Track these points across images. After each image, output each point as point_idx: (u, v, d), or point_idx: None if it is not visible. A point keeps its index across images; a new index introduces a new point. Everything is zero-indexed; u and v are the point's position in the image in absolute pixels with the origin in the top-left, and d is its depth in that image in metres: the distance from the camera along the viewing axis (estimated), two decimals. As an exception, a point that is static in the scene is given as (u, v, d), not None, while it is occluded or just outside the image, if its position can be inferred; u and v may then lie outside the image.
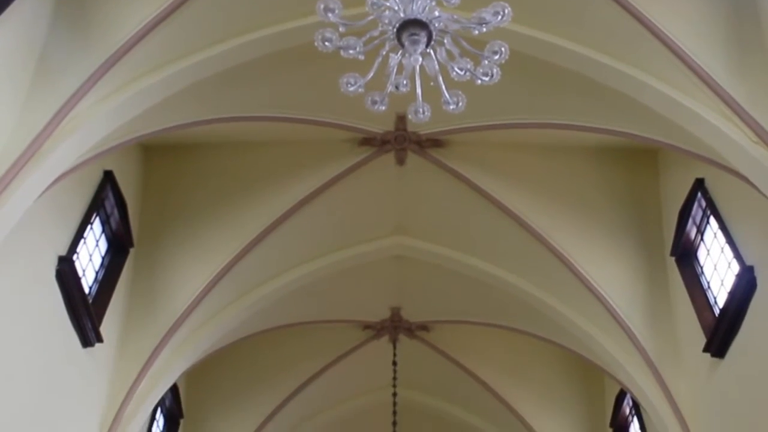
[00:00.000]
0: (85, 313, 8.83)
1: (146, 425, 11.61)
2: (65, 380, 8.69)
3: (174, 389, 12.71)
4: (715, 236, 9.25)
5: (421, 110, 5.09)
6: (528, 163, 10.39)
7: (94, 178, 9.22)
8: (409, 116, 5.19)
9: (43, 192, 7.07)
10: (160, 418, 12.52)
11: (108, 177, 9.40)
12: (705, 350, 9.04)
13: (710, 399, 9.17)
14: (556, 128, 9.26)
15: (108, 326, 9.64)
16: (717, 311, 9.10)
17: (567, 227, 10.51)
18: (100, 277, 9.73)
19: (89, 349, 9.18)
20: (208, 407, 13.44)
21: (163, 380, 10.55)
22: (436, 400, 14.41)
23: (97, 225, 9.52)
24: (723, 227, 8.85)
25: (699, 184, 9.26)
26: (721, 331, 8.67)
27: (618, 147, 10.16)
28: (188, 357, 10.97)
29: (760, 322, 8.04)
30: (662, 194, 10.33)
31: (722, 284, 9.07)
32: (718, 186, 8.97)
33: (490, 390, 13.40)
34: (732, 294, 8.42)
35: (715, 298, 9.31)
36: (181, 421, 13.23)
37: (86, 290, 9.09)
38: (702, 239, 9.62)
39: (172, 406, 12.82)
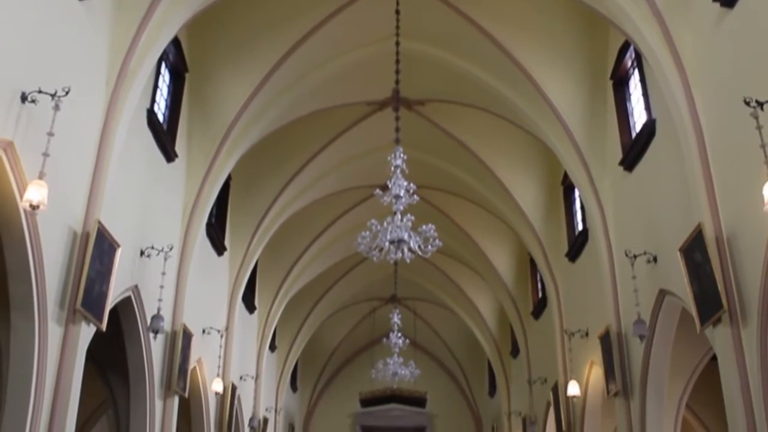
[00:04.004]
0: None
1: (152, 80, 11.80)
2: (65, 38, 8.58)
3: (177, 44, 12.68)
4: None
5: None
6: None
7: None
8: None
9: None
10: (165, 73, 12.66)
11: None
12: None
13: (714, 52, 9.09)
14: None
15: (101, -23, 9.31)
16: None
17: None
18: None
19: (85, 1, 8.96)
20: (212, 60, 13.49)
21: (164, 31, 10.41)
22: (439, 50, 14.36)
23: None
24: None
25: None
26: (736, -17, 8.35)
27: None
28: (188, 6, 10.72)
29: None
30: None
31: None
32: None
33: (493, 40, 13.32)
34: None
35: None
36: (186, 75, 13.42)
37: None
38: None
39: (176, 61, 12.90)
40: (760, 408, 7.93)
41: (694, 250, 9.11)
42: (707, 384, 12.00)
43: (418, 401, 25.97)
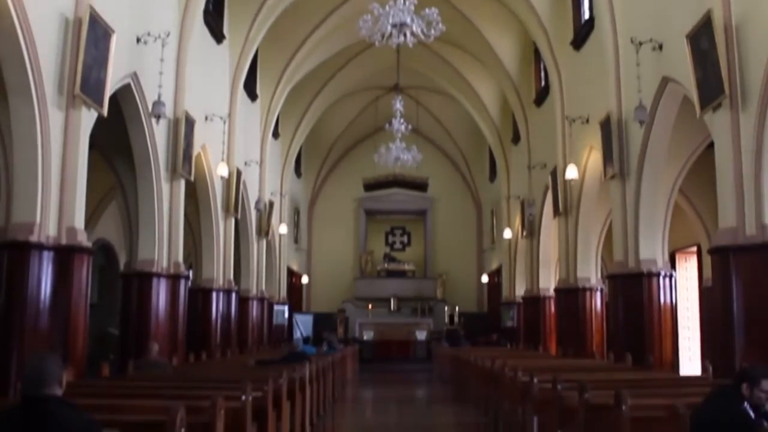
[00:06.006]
0: None
1: None
2: None
3: None
4: None
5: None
6: None
7: None
8: None
9: None
10: None
11: None
12: None
13: None
14: None
15: None
16: None
17: None
18: None
19: None
20: None
21: None
22: None
23: None
24: None
25: None
26: None
27: None
28: None
29: None
30: None
31: None
32: None
33: None
34: None
35: None
36: None
37: None
38: None
39: None
40: (751, 191, 8.20)
41: (701, 36, 8.97)
42: (701, 171, 12.25)
43: (420, 186, 26.55)
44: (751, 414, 4.50)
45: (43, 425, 3.34)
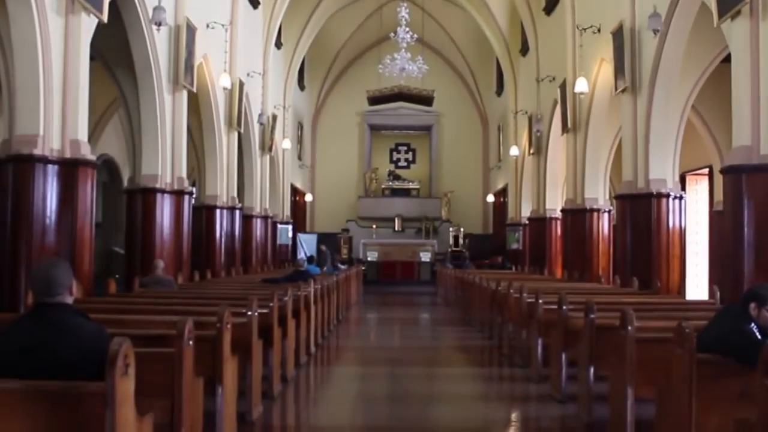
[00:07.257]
0: None
1: None
2: None
3: None
4: None
5: None
6: None
7: None
8: None
9: None
10: None
11: None
12: None
13: None
14: None
15: None
16: None
17: None
18: None
19: None
20: None
21: None
22: None
23: None
24: None
25: None
26: None
27: None
28: None
29: None
30: None
31: None
32: None
33: None
34: None
35: None
36: None
37: None
38: None
39: None
40: (768, 105, 7.93)
41: (722, -64, 8.53)
42: (716, 87, 11.96)
43: (426, 99, 26.04)
44: (758, 334, 4.45)
45: (54, 331, 3.32)
